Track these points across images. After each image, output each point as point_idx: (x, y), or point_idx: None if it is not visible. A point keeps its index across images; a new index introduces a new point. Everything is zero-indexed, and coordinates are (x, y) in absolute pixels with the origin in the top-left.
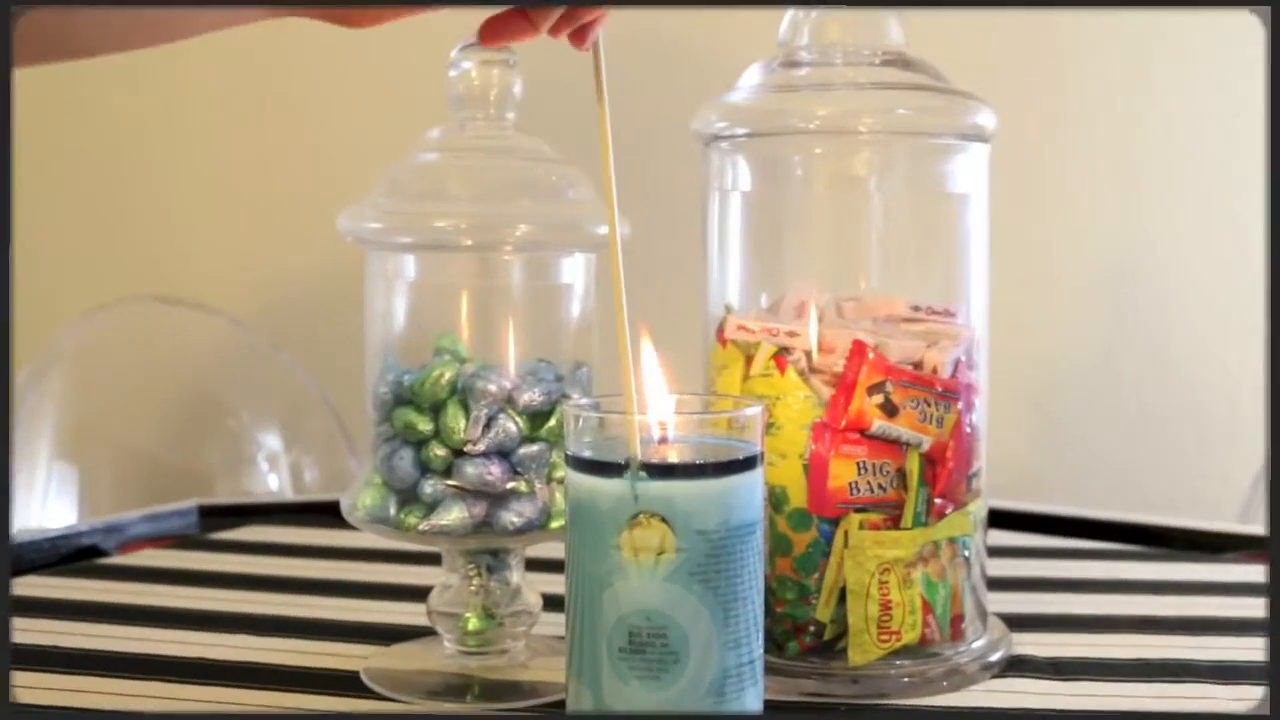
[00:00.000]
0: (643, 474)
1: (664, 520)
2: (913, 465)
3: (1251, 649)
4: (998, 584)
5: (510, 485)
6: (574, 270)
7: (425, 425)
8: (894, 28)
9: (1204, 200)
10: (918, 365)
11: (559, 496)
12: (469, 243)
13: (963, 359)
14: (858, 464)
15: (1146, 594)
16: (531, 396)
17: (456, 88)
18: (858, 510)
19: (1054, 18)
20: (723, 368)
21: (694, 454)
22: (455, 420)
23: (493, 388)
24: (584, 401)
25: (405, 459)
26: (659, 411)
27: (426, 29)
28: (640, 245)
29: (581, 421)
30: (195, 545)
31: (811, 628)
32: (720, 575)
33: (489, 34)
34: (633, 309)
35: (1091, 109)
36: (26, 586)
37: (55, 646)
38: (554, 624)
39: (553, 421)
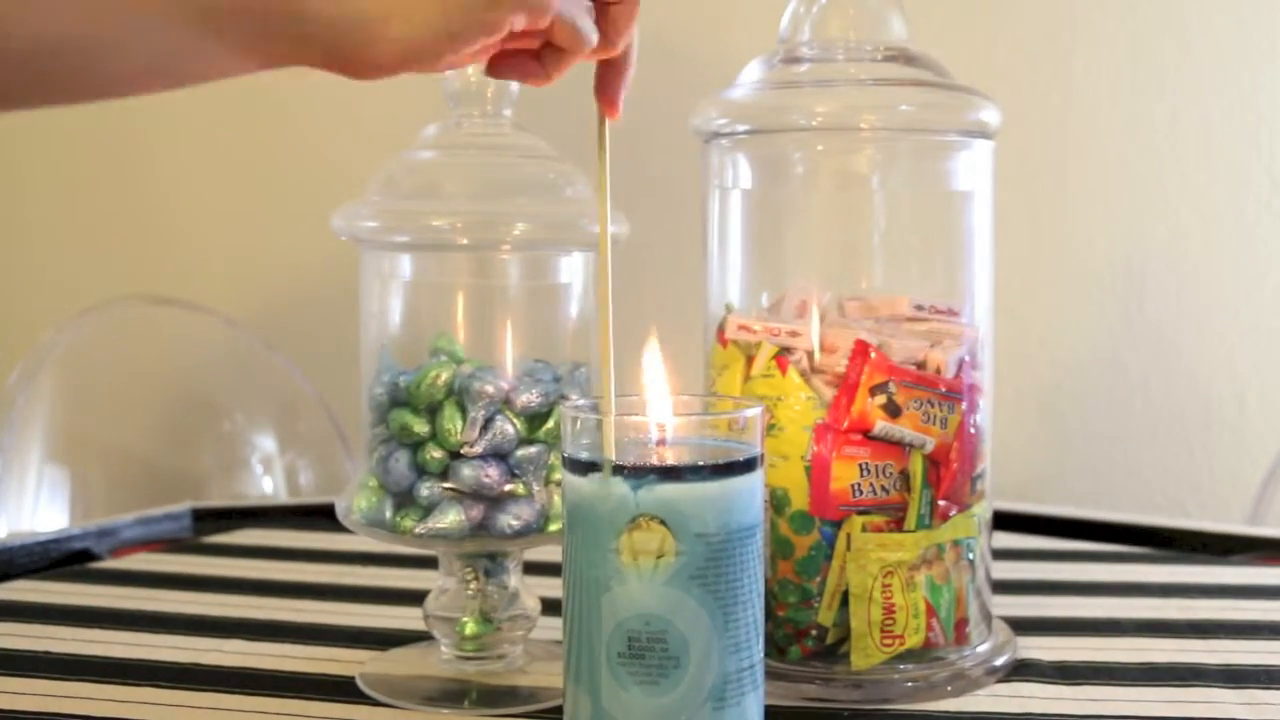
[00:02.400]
0: (621, 477)
1: (663, 523)
2: (916, 467)
3: (1261, 652)
4: (1003, 587)
5: (508, 488)
6: (572, 269)
7: (421, 427)
8: (896, 23)
9: (1212, 198)
10: (921, 365)
11: (557, 499)
12: (466, 242)
13: (967, 359)
14: (860, 466)
15: (1154, 597)
16: (529, 398)
17: (453, 84)
18: (860, 513)
19: (1060, 12)
20: (723, 368)
21: (694, 456)
22: (452, 422)
23: (490, 389)
24: (581, 403)
25: (401, 461)
26: (658, 413)
27: None
28: (640, 244)
29: (579, 423)
30: (189, 549)
31: (814, 632)
32: (720, 579)
33: (495, 69)
34: (634, 309)
35: (1098, 104)
36: (17, 591)
37: (46, 652)
38: (552, 628)
39: (551, 423)
